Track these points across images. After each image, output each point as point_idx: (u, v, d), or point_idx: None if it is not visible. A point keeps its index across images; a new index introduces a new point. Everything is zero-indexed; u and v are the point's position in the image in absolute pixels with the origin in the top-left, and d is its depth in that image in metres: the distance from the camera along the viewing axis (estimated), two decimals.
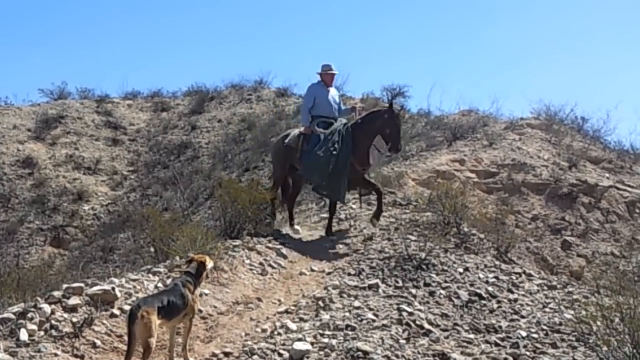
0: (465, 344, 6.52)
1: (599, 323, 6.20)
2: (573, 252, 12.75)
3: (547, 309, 7.65)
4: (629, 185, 15.19)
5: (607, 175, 15.16)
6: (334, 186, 10.19)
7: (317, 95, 10.61)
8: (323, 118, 10.53)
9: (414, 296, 7.56)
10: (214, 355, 6.24)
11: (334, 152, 10.08)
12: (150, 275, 7.67)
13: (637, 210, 14.46)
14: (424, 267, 8.39)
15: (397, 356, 6.02)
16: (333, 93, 10.88)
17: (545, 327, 7.05)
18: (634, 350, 5.63)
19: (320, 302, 7.29)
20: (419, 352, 6.19)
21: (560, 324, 7.15)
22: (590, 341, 6.29)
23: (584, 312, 6.69)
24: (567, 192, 13.76)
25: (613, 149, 17.54)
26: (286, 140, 10.72)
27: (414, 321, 6.82)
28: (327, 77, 10.82)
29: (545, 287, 8.48)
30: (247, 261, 8.56)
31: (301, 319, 6.94)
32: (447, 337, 6.64)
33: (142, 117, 24.44)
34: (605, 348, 5.99)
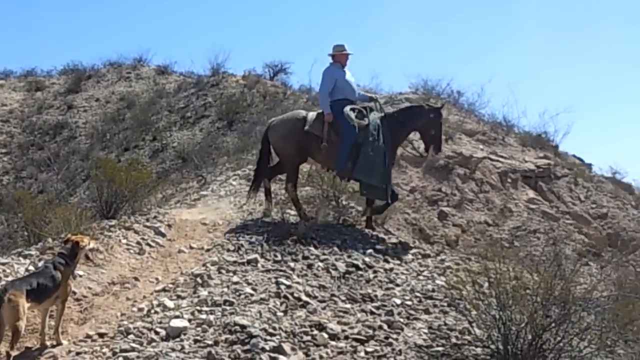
0: (341, 313, 6.63)
1: (468, 288, 6.45)
2: (449, 221, 13.15)
3: (420, 277, 7.88)
4: (502, 156, 15.79)
5: (481, 147, 15.68)
6: (387, 188, 9.52)
7: (337, 78, 9.80)
8: (347, 102, 9.76)
9: (293, 269, 7.62)
10: (88, 336, 6.10)
11: (384, 151, 9.46)
12: (21, 258, 7.44)
13: (509, 180, 15.06)
14: (303, 241, 8.46)
15: (274, 329, 6.06)
16: (349, 75, 10.03)
17: (418, 294, 7.27)
18: (501, 313, 5.88)
19: (198, 279, 7.24)
20: (296, 324, 6.26)
21: (433, 290, 7.39)
22: (461, 306, 6.50)
23: (454, 279, 6.95)
24: (443, 164, 14.15)
25: (487, 121, 18.19)
26: (307, 127, 9.67)
27: (292, 294, 6.87)
28: (341, 57, 10.00)
29: (420, 256, 8.73)
30: (124, 241, 8.39)
31: (179, 297, 6.88)
32: (324, 308, 6.73)
33: (15, 97, 23.54)
34: (474, 312, 6.23)
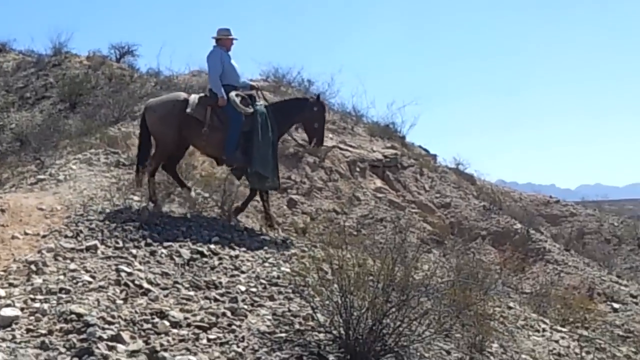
0: (184, 301, 6.48)
1: (313, 275, 6.49)
2: (298, 209, 13.25)
3: (266, 264, 7.84)
4: (351, 146, 16.09)
5: (330, 136, 15.87)
6: (275, 176, 9.48)
7: (224, 62, 9.49)
8: (231, 88, 9.43)
9: (135, 256, 7.36)
10: None
11: (273, 141, 9.41)
12: None
13: (357, 169, 15.36)
14: (145, 226, 8.22)
15: (113, 317, 5.83)
16: (233, 61, 9.73)
17: (263, 281, 7.23)
18: (343, 299, 5.95)
19: (32, 266, 6.84)
20: (136, 312, 6.05)
21: (278, 277, 7.37)
22: (305, 293, 6.52)
23: (299, 266, 6.97)
24: (293, 152, 14.22)
25: (337, 111, 18.45)
26: (188, 109, 9.21)
27: (132, 281, 6.64)
28: (227, 42, 9.70)
29: (266, 243, 8.69)
30: None
31: (11, 285, 6.48)
32: (166, 296, 6.55)
33: None
34: (317, 298, 6.28)
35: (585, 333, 9.64)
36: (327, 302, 6.13)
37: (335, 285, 6.09)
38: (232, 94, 9.33)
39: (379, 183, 15.54)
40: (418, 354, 6.25)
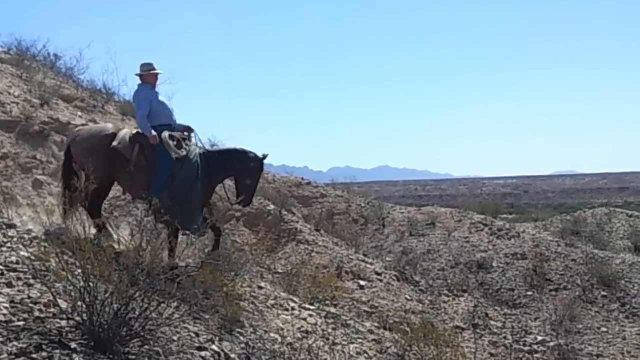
0: None
1: (54, 259, 6.15)
2: (44, 190, 12.54)
3: (4, 248, 7.30)
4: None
5: (79, 113, 15.22)
6: (202, 223, 8.52)
7: (151, 100, 8.89)
8: (164, 127, 8.86)
9: None
10: None
11: (200, 190, 8.83)
12: None
13: None
14: None
15: None
16: (162, 97, 9.21)
17: (1, 267, 6.74)
18: (86, 283, 5.69)
19: None
20: None
21: (17, 262, 6.90)
22: (46, 278, 6.17)
23: (39, 249, 6.58)
24: (38, 130, 13.42)
25: (86, 87, 17.72)
26: (115, 143, 8.59)
27: None
28: (150, 77, 9.10)
29: (3, 226, 8.10)
30: None
31: None
32: None
33: None
34: (59, 284, 5.96)
35: (332, 310, 10.08)
36: (69, 287, 5.83)
37: (78, 270, 5.82)
38: (165, 133, 8.80)
39: None
40: (166, 337, 6.16)
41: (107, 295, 5.65)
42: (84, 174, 8.55)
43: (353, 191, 25.25)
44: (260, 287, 9.43)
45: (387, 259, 16.33)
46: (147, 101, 8.98)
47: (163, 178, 8.75)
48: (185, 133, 9.34)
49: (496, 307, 15.55)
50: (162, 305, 5.98)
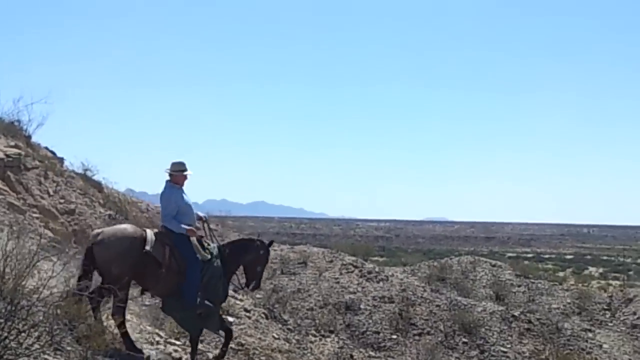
0: None
1: None
2: None
3: None
4: None
5: None
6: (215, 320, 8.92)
7: (179, 204, 8.77)
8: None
9: None
10: None
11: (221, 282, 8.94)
12: None
13: None
14: None
15: None
16: (187, 197, 9.01)
17: None
18: None
19: None
20: None
21: None
22: None
23: None
24: None
25: None
26: (147, 247, 8.20)
27: None
28: (180, 178, 8.91)
29: None
30: None
31: None
32: None
33: None
34: None
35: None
36: None
37: None
38: (193, 238, 8.75)
39: None
40: None
41: None
42: (109, 278, 8.11)
43: (227, 225, 25.10)
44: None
45: (257, 296, 16.31)
46: (173, 204, 8.84)
47: (196, 280, 8.69)
48: (198, 224, 9.34)
49: (361, 349, 15.82)
50: (22, 334, 5.79)
